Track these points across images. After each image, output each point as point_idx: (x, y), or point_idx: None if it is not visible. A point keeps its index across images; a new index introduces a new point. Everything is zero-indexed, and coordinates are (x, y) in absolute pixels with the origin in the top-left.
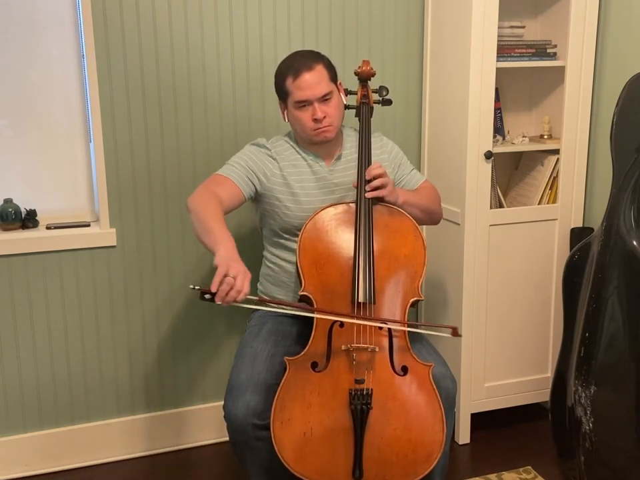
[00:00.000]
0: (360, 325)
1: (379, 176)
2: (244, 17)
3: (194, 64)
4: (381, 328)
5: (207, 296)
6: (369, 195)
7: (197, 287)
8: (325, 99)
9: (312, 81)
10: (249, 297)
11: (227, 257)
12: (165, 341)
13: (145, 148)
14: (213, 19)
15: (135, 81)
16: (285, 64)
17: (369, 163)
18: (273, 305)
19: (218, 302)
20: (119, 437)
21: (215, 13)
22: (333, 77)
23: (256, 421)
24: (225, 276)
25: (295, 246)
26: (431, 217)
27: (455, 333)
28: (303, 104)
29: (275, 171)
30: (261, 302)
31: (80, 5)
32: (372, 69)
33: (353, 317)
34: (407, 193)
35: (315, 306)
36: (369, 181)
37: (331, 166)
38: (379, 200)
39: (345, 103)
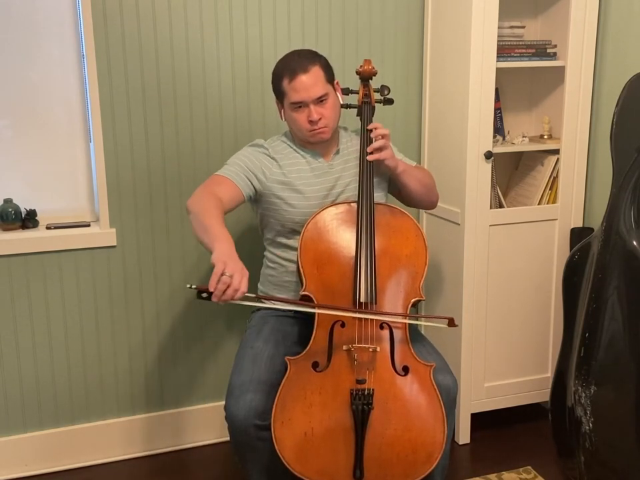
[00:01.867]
0: (361, 324)
1: (383, 135)
2: (244, 16)
3: (194, 64)
4: (382, 327)
5: (204, 295)
6: (370, 157)
7: (193, 286)
8: (320, 100)
9: (307, 83)
10: (247, 294)
11: (224, 255)
12: (165, 340)
13: (144, 148)
14: (212, 17)
15: (134, 81)
16: (282, 64)
17: (371, 163)
18: (271, 302)
19: (215, 301)
20: (118, 437)
21: (214, 12)
22: (330, 77)
23: (257, 422)
24: (222, 275)
25: (297, 244)
26: (429, 194)
27: (452, 323)
28: (299, 105)
29: (274, 170)
30: (259, 299)
31: (80, 5)
32: (373, 68)
33: (350, 311)
34: (406, 164)
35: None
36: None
37: (330, 161)
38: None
39: (341, 102)
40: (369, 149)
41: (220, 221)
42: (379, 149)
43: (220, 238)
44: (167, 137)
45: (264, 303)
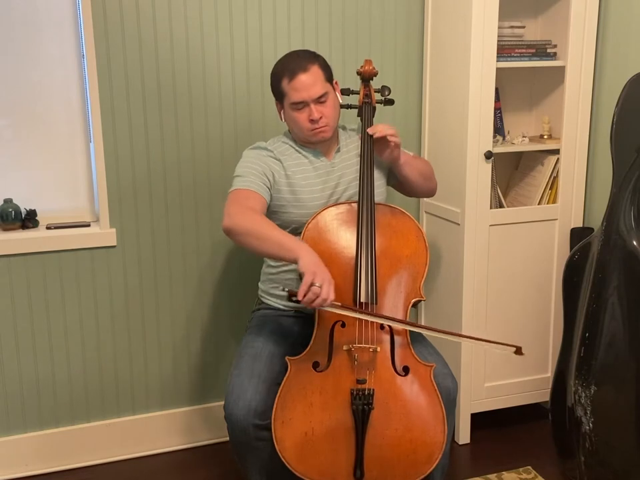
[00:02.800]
0: (361, 324)
1: (392, 134)
2: (244, 16)
3: (194, 64)
4: (382, 327)
5: (294, 298)
6: (376, 133)
7: (286, 289)
8: (320, 99)
9: (307, 82)
10: (334, 302)
11: (312, 263)
12: (165, 340)
13: (144, 148)
14: (212, 17)
15: (135, 81)
16: (281, 64)
17: (371, 163)
18: (352, 311)
19: (303, 306)
20: (118, 437)
21: (214, 12)
22: (329, 76)
23: (257, 421)
24: (312, 285)
25: None
26: (428, 183)
27: (519, 351)
28: (299, 105)
29: (280, 172)
30: (343, 308)
31: (80, 5)
32: (374, 68)
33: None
34: (406, 154)
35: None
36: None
37: (332, 160)
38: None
39: (340, 101)
40: (375, 130)
41: (284, 231)
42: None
43: (302, 248)
44: (167, 136)
45: (346, 310)
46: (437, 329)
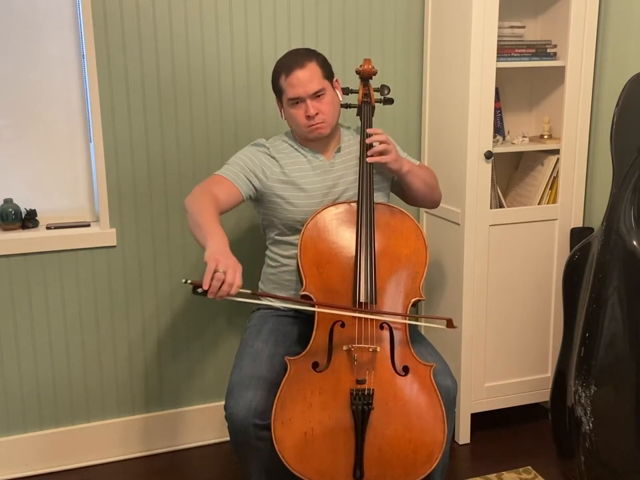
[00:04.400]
0: (361, 324)
1: (382, 141)
2: (244, 17)
3: (194, 64)
4: (382, 327)
5: (199, 290)
6: (370, 159)
7: (189, 281)
8: (317, 95)
9: (303, 78)
10: (242, 290)
11: (216, 252)
12: (165, 340)
13: (144, 148)
14: (213, 17)
15: (135, 81)
16: (280, 62)
17: (371, 163)
18: (267, 299)
19: (211, 297)
20: (118, 437)
21: (214, 12)
22: (328, 74)
23: (257, 421)
24: (215, 271)
25: (297, 243)
26: (432, 193)
27: (450, 324)
28: (296, 101)
29: (274, 169)
30: (255, 295)
31: (80, 5)
32: (373, 67)
33: (348, 309)
34: (411, 164)
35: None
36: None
37: (331, 159)
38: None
39: (341, 100)
40: (368, 153)
41: (214, 219)
42: (380, 153)
43: (212, 235)
44: (167, 136)
45: (260, 299)
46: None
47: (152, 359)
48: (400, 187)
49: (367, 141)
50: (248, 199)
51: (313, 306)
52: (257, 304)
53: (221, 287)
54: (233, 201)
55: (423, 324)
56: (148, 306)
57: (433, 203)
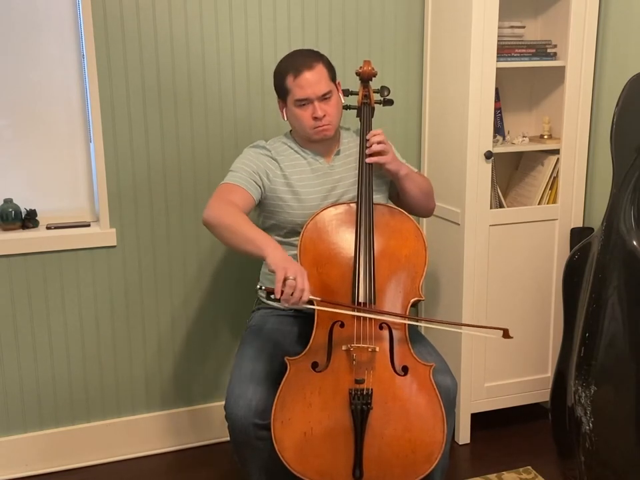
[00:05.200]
0: (360, 323)
1: (380, 142)
2: (244, 17)
3: (194, 63)
4: (381, 327)
5: (273, 296)
6: (369, 159)
7: (263, 287)
8: (325, 97)
9: (312, 80)
10: (310, 296)
11: (281, 259)
12: (165, 340)
13: (145, 148)
14: (213, 17)
15: (135, 81)
16: (285, 62)
17: (370, 164)
18: (331, 305)
19: (285, 305)
20: (118, 437)
21: (214, 12)
22: (332, 76)
23: (257, 421)
24: (285, 279)
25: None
26: (427, 201)
27: (507, 334)
28: (304, 102)
29: (276, 172)
30: (322, 303)
31: (80, 5)
32: (373, 69)
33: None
34: (409, 169)
35: (316, 305)
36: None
37: (331, 162)
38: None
39: (343, 102)
40: (367, 152)
41: (256, 227)
42: (378, 153)
43: (270, 243)
44: (167, 137)
45: (326, 306)
46: (427, 319)
47: (152, 358)
48: (396, 191)
49: (368, 141)
50: (257, 203)
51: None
52: (257, 305)
53: (292, 293)
54: (249, 207)
55: (474, 333)
56: (148, 305)
57: (427, 211)
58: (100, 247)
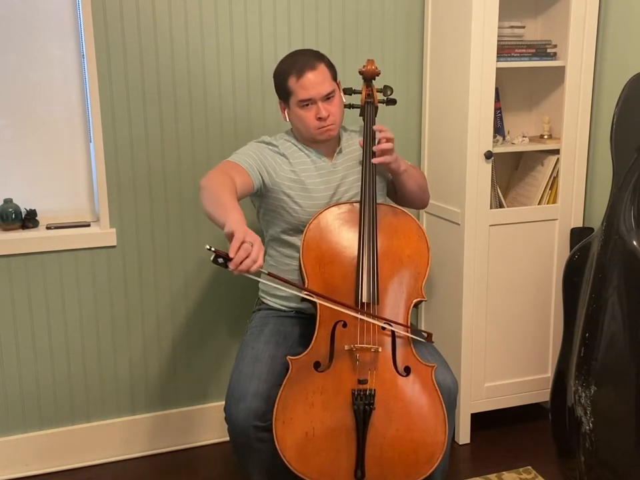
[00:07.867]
0: (363, 324)
1: (388, 139)
2: (244, 16)
3: (194, 63)
4: (383, 328)
5: (220, 260)
6: (375, 160)
7: (212, 248)
8: (328, 97)
9: (316, 80)
10: (262, 270)
11: (242, 225)
12: (165, 340)
13: (144, 148)
14: (212, 16)
15: (135, 81)
16: (287, 63)
17: (374, 163)
18: (280, 282)
19: (231, 268)
20: (119, 437)
21: (214, 12)
22: (334, 75)
23: (257, 423)
24: (243, 242)
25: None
26: (423, 194)
27: (430, 338)
28: (307, 103)
29: (284, 167)
30: (270, 276)
31: (80, 5)
32: (376, 68)
33: (351, 309)
34: (407, 164)
35: (318, 305)
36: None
37: (333, 160)
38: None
39: (344, 101)
40: (374, 148)
41: (235, 198)
42: (386, 151)
43: (236, 210)
44: (167, 136)
45: (272, 281)
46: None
47: (152, 358)
48: (392, 186)
49: (379, 136)
50: (255, 192)
51: (316, 297)
52: (258, 305)
53: (244, 259)
54: (246, 190)
55: (404, 334)
56: (148, 305)
57: (422, 203)
58: (100, 247)
